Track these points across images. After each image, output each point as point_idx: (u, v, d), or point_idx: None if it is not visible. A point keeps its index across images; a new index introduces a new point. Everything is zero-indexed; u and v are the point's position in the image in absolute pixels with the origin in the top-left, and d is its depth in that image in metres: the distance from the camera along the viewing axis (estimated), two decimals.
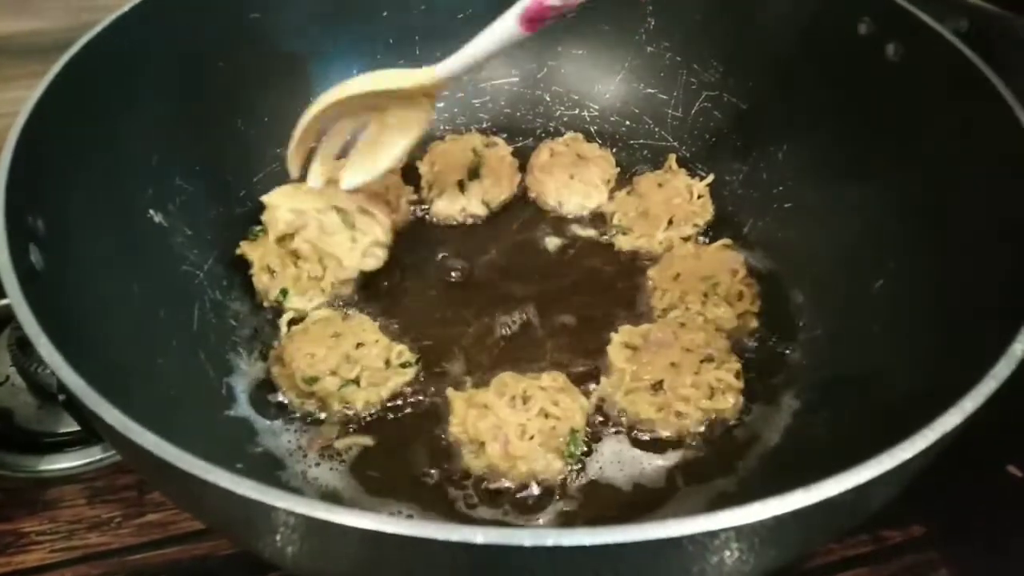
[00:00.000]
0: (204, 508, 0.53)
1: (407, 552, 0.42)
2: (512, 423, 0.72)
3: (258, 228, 0.87)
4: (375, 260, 0.88)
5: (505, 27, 0.74)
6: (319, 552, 0.47)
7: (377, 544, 0.42)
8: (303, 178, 0.87)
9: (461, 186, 0.96)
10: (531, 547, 0.40)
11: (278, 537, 0.45)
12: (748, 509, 0.41)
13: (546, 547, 0.40)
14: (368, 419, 0.77)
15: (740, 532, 0.42)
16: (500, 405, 0.73)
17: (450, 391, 0.77)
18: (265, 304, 0.85)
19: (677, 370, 0.76)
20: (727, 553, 0.44)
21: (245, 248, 0.86)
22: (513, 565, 0.42)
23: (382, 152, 0.86)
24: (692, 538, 0.41)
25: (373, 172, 0.87)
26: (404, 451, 0.75)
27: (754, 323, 0.84)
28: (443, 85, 0.80)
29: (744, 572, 0.49)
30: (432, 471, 0.74)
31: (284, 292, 0.84)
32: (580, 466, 0.74)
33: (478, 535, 0.40)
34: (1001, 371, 0.50)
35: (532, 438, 0.71)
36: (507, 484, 0.72)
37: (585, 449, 0.75)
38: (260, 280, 0.85)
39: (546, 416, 0.73)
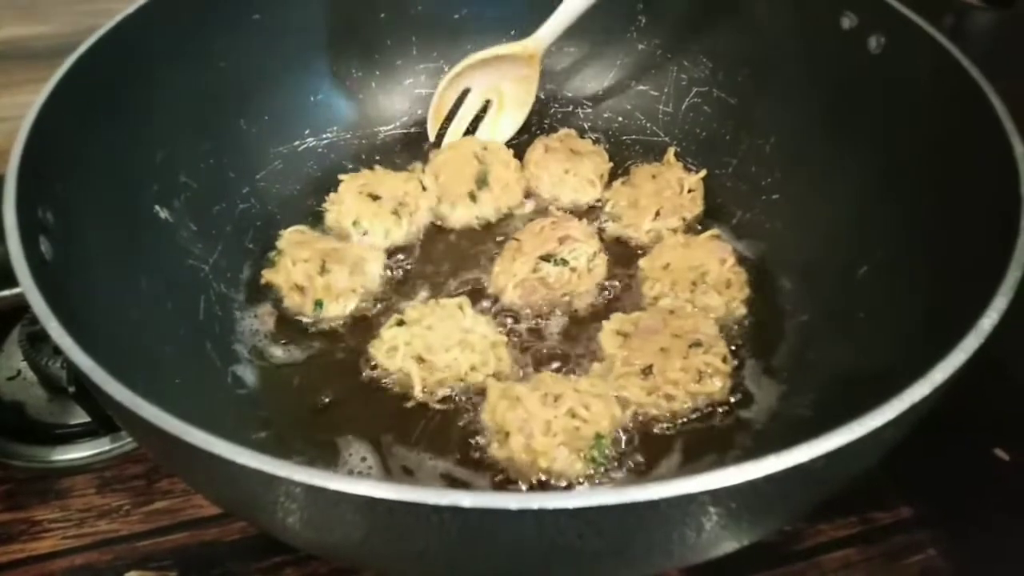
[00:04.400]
0: (206, 480, 0.55)
1: (399, 517, 0.44)
2: (539, 418, 0.72)
3: (274, 253, 0.88)
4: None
5: None
6: (318, 521, 0.49)
7: (371, 509, 0.44)
8: (438, 142, 1.05)
9: (472, 196, 0.96)
10: (517, 510, 0.42)
11: (278, 507, 0.47)
12: (722, 473, 0.43)
13: (531, 510, 0.42)
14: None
15: (716, 496, 0.43)
16: (532, 399, 0.73)
17: (490, 380, 0.78)
18: (305, 321, 0.86)
19: (666, 355, 0.78)
20: (705, 518, 0.46)
21: (268, 276, 0.87)
22: (500, 528, 0.44)
23: (504, 122, 1.07)
24: (670, 501, 0.42)
25: (500, 137, 1.06)
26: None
27: (742, 310, 0.86)
28: (539, 50, 1.00)
29: (724, 540, 0.52)
30: (456, 459, 0.76)
31: (319, 303, 0.85)
32: (603, 471, 0.74)
33: (465, 499, 0.42)
34: (969, 344, 0.51)
35: (555, 435, 0.71)
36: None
37: (612, 456, 0.75)
38: (292, 301, 0.86)
39: (573, 416, 0.73)
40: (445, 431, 0.77)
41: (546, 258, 0.87)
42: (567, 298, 0.87)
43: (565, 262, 0.87)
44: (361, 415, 0.79)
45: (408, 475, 0.74)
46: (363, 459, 0.75)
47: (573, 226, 0.91)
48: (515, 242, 0.90)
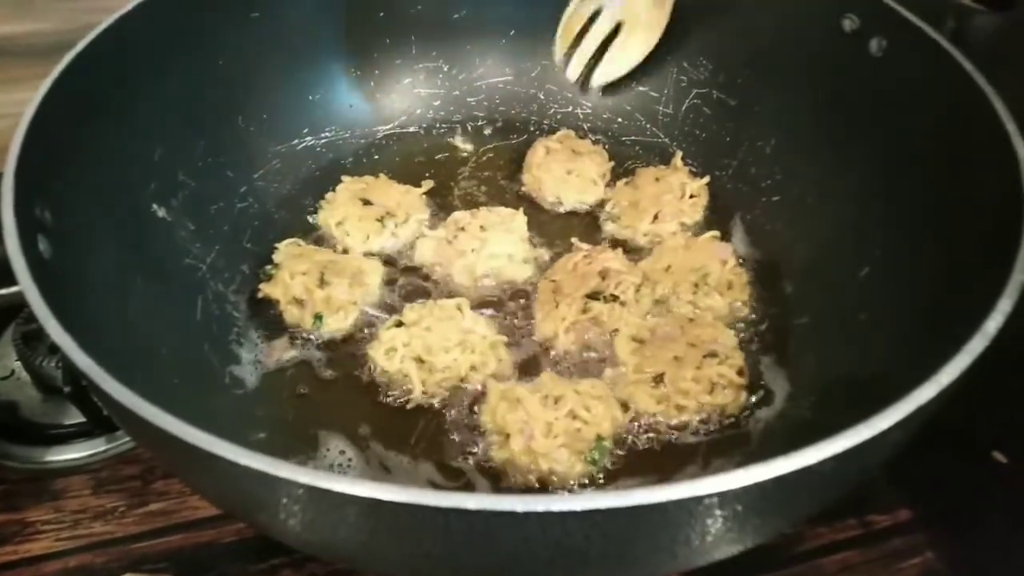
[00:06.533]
0: (206, 481, 0.55)
1: (404, 519, 0.43)
2: (540, 419, 0.71)
3: (271, 267, 0.87)
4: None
5: None
6: (320, 523, 0.49)
7: (375, 511, 0.43)
8: (566, 65, 1.06)
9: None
10: (523, 512, 0.41)
11: (280, 508, 0.47)
12: (731, 476, 0.42)
13: (537, 512, 0.41)
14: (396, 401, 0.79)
15: (724, 498, 0.43)
16: (532, 401, 0.72)
17: (490, 381, 0.77)
18: (304, 335, 0.84)
19: (679, 364, 0.76)
20: (711, 521, 0.46)
21: (266, 290, 0.85)
22: (506, 530, 0.44)
23: (633, 46, 1.03)
24: (677, 503, 0.42)
25: (623, 69, 1.05)
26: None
27: (744, 311, 0.85)
28: None
29: (729, 542, 0.51)
30: (457, 461, 0.75)
31: (318, 317, 0.83)
32: (603, 475, 0.73)
33: (470, 501, 0.41)
34: (975, 346, 0.51)
35: (556, 437, 0.71)
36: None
37: (612, 459, 0.74)
38: (291, 314, 0.84)
39: (574, 418, 0.72)
40: (444, 432, 0.77)
41: (593, 296, 0.83)
42: (615, 333, 0.83)
43: (615, 297, 0.83)
44: (360, 417, 0.78)
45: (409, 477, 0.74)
46: (352, 460, 0.75)
47: (608, 257, 0.86)
48: (550, 283, 0.85)
